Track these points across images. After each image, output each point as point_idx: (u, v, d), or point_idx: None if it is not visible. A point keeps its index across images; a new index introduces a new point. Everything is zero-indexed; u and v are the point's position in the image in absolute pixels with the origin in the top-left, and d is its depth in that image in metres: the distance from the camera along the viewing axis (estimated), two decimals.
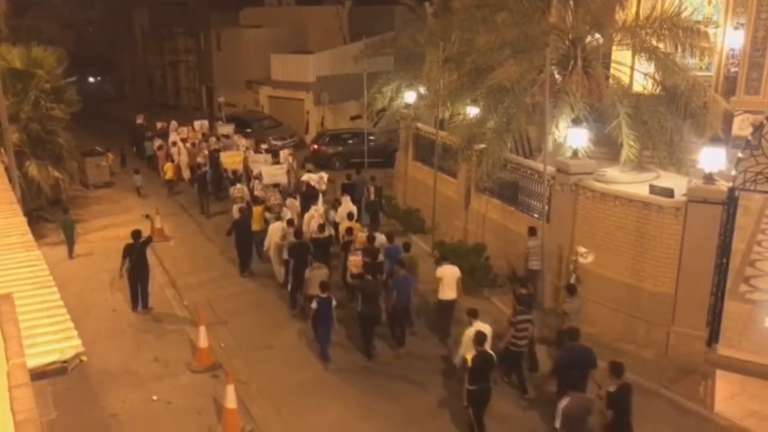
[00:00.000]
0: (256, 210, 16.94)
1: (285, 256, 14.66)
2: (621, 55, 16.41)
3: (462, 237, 17.11)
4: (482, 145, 15.38)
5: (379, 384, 11.61)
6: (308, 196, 18.07)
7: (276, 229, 15.27)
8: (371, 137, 23.81)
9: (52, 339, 6.20)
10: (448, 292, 12.58)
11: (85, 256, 18.00)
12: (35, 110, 20.27)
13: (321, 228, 14.91)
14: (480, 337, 9.74)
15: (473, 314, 10.66)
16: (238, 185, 19.40)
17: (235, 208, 17.30)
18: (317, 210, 16.32)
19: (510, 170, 15.44)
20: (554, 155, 13.88)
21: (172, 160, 24.51)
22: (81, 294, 14.93)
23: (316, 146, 27.40)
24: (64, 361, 5.92)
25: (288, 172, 20.38)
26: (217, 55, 40.51)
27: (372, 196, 18.95)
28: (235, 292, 15.55)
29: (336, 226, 16.13)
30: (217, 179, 22.52)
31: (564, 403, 8.98)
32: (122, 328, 13.81)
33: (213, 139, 25.94)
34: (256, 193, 18.62)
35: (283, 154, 22.16)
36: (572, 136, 13.46)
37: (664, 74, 14.39)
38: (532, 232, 13.69)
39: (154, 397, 11.20)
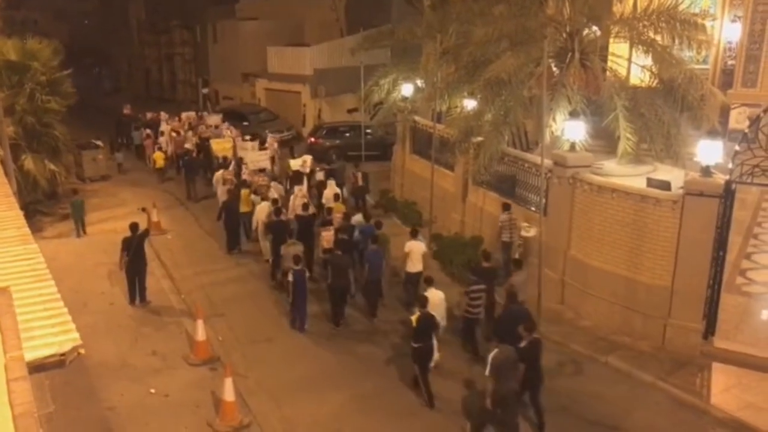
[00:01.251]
0: (244, 192, 17.73)
1: (263, 231, 15.90)
2: (618, 47, 16.38)
3: (459, 230, 17.11)
4: (479, 138, 15.36)
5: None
6: (294, 179, 19.28)
7: (263, 208, 16.26)
8: (368, 130, 23.78)
9: (50, 332, 6.21)
10: (416, 265, 13.53)
11: (86, 245, 18.06)
12: (31, 103, 20.19)
13: (305, 207, 16.04)
14: (423, 300, 10.82)
15: (429, 281, 11.83)
16: (228, 169, 20.50)
17: (224, 189, 18.47)
18: (300, 190, 17.33)
19: (507, 163, 15.44)
20: (551, 148, 13.88)
21: (161, 149, 25.83)
22: (78, 287, 14.91)
23: (313, 139, 27.34)
24: (62, 354, 5.93)
25: (272, 158, 21.99)
26: (213, 47, 40.40)
27: (360, 182, 19.82)
28: (233, 285, 15.55)
29: (321, 207, 17.20)
30: (207, 165, 23.66)
31: (493, 354, 9.55)
32: (120, 321, 13.80)
33: (202, 128, 27.46)
34: (244, 176, 19.52)
35: (269, 141, 23.62)
36: (569, 129, 13.45)
37: (662, 67, 14.38)
38: (506, 207, 14.54)
39: (152, 391, 11.20)
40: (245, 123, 29.24)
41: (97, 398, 11.00)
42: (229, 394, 10.16)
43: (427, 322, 10.59)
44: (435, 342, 10.95)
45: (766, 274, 13.67)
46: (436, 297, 11.29)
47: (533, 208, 14.33)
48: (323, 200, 17.56)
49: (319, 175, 19.88)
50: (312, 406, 10.76)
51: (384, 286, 14.12)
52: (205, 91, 34.69)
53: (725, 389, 10.74)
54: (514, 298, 11.28)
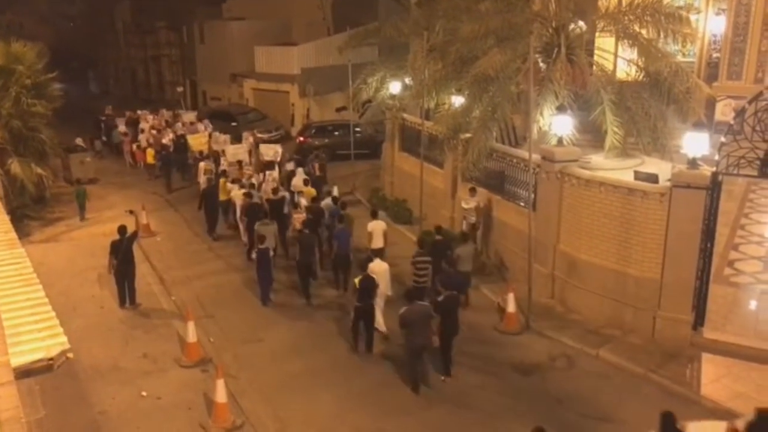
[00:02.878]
0: (222, 182, 19.13)
1: (240, 214, 17.44)
2: (604, 42, 16.46)
3: (449, 226, 17.11)
4: (468, 135, 15.39)
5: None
6: (266, 168, 20.96)
7: (239, 195, 17.77)
8: (357, 129, 23.75)
9: (37, 337, 6.18)
10: (378, 241, 14.71)
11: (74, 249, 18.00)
12: (16, 106, 20.05)
13: (275, 191, 17.52)
14: (366, 260, 12.49)
15: (375, 253, 13.38)
16: (206, 162, 22.09)
17: (204, 178, 20.06)
18: (271, 175, 19.34)
19: (496, 159, 15.47)
20: (539, 143, 13.92)
21: (139, 147, 27.28)
22: (68, 291, 14.83)
23: (302, 138, 27.28)
24: (50, 359, 5.90)
25: (249, 151, 23.41)
26: (200, 48, 40.20)
27: (317, 172, 21.24)
28: (223, 287, 15.51)
29: (292, 193, 18.47)
30: (182, 161, 24.89)
31: (401, 311, 10.78)
32: (110, 324, 13.73)
33: (179, 125, 28.67)
34: (222, 167, 21.00)
35: (244, 136, 25.13)
36: (557, 124, 13.48)
37: (647, 60, 14.46)
38: (472, 192, 15.50)
39: (144, 393, 11.15)
40: (234, 123, 29.12)
41: (88, 402, 10.94)
42: (221, 395, 10.13)
43: (368, 284, 11.88)
44: (380, 306, 12.26)
45: (753, 264, 13.79)
46: (380, 267, 12.45)
47: (522, 204, 14.37)
48: (291, 187, 18.84)
49: (289, 165, 21.20)
50: (305, 405, 10.75)
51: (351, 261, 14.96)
52: (180, 89, 37.06)
53: (715, 379, 10.81)
54: (451, 264, 12.82)
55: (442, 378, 11.28)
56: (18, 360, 5.52)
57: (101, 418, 10.54)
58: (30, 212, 20.69)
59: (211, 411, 10.32)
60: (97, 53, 56.24)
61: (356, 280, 12.06)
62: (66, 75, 31.40)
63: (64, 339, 6.22)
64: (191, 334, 12.16)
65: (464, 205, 15.57)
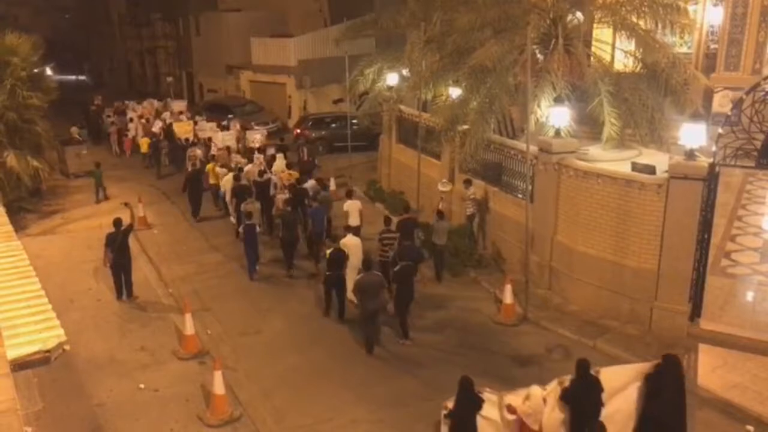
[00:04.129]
0: (210, 166, 20.41)
1: (229, 196, 18.42)
2: (602, 33, 16.40)
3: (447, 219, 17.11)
4: (465, 126, 15.34)
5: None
6: (253, 152, 22.10)
7: (228, 178, 18.65)
8: (354, 121, 23.71)
9: (34, 329, 6.17)
10: (354, 220, 15.83)
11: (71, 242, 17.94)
12: (12, 99, 19.91)
13: (260, 173, 18.43)
14: (334, 238, 14.58)
15: (348, 229, 14.24)
16: (193, 148, 23.23)
17: (190, 164, 21.08)
18: (258, 159, 20.46)
19: (493, 151, 15.44)
20: (537, 135, 13.90)
21: (126, 136, 28.29)
22: (64, 284, 14.80)
23: (299, 131, 27.18)
24: (47, 351, 5.90)
25: (237, 138, 24.97)
26: (196, 40, 39.99)
27: (305, 157, 22.45)
28: (220, 279, 15.50)
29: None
30: (172, 149, 25.36)
31: (357, 278, 12.00)
32: (107, 317, 13.72)
33: (167, 114, 29.54)
34: (212, 152, 22.55)
35: (231, 124, 26.38)
36: (554, 116, 13.46)
37: (645, 52, 14.43)
38: (467, 183, 15.74)
39: (141, 386, 11.15)
40: (230, 116, 29.02)
41: (86, 395, 10.93)
42: (218, 387, 10.13)
43: (337, 255, 12.92)
44: (351, 277, 12.84)
45: (750, 255, 13.82)
46: (352, 241, 13.43)
47: (520, 195, 14.37)
48: (272, 171, 19.73)
49: (270, 150, 22.35)
50: (302, 396, 10.76)
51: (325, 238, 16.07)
52: (169, 79, 37.86)
53: (711, 370, 10.84)
54: (409, 237, 13.80)
55: (401, 341, 12.21)
56: (14, 352, 5.51)
57: (99, 410, 10.54)
58: (26, 205, 20.63)
59: (209, 403, 10.33)
60: (92, 45, 55.96)
61: (327, 252, 13.22)
62: (61, 67, 31.39)
63: (60, 331, 6.22)
64: (188, 326, 12.16)
65: (441, 188, 16.54)
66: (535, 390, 8.32)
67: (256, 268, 15.36)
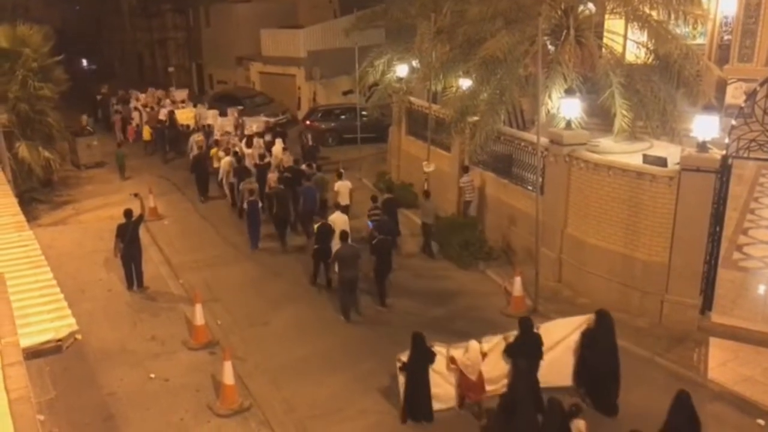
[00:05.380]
0: (213, 151, 21.73)
1: (231, 178, 19.38)
2: (614, 24, 16.26)
3: (456, 210, 17.09)
4: (475, 118, 15.26)
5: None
6: (251, 138, 22.66)
7: (226, 162, 19.70)
8: (364, 112, 23.66)
9: (46, 318, 6.22)
10: (345, 199, 16.91)
11: (82, 232, 18.02)
12: (23, 90, 20.01)
13: (261, 157, 19.80)
14: (322, 214, 15.84)
15: (336, 206, 15.77)
16: (197, 134, 24.59)
17: (195, 148, 22.86)
18: (258, 142, 21.61)
19: (503, 142, 15.38)
20: (547, 126, 13.82)
21: (129, 123, 29.24)
22: (76, 274, 14.91)
23: (308, 122, 27.19)
24: (59, 340, 5.94)
25: (236, 126, 25.77)
26: (206, 31, 39.96)
27: (310, 142, 23.23)
28: (230, 270, 15.57)
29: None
30: (174, 136, 26.43)
31: (336, 249, 12.95)
32: (118, 307, 13.81)
33: (168, 102, 30.69)
34: (215, 138, 23.63)
35: (229, 111, 27.33)
36: (565, 107, 13.37)
37: (657, 43, 14.28)
38: (465, 170, 16.47)
39: (152, 375, 11.24)
40: (240, 107, 29.04)
41: (98, 384, 11.04)
42: (228, 377, 10.19)
43: (324, 230, 13.90)
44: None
45: (762, 249, 13.71)
46: (340, 218, 14.43)
47: (530, 187, 14.31)
48: (272, 155, 20.79)
49: (267, 136, 23.07)
50: (312, 387, 10.81)
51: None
52: (170, 69, 38.94)
53: (722, 363, 10.79)
54: (391, 212, 15.31)
55: (378, 308, 13.21)
56: (27, 341, 5.56)
57: (110, 399, 10.64)
58: (38, 196, 20.75)
59: (219, 393, 10.40)
60: (102, 36, 56.04)
61: (315, 227, 14.38)
62: (72, 58, 31.53)
63: (72, 320, 6.26)
64: (199, 316, 12.23)
65: (425, 169, 17.31)
66: (474, 344, 9.37)
67: (258, 244, 16.48)
